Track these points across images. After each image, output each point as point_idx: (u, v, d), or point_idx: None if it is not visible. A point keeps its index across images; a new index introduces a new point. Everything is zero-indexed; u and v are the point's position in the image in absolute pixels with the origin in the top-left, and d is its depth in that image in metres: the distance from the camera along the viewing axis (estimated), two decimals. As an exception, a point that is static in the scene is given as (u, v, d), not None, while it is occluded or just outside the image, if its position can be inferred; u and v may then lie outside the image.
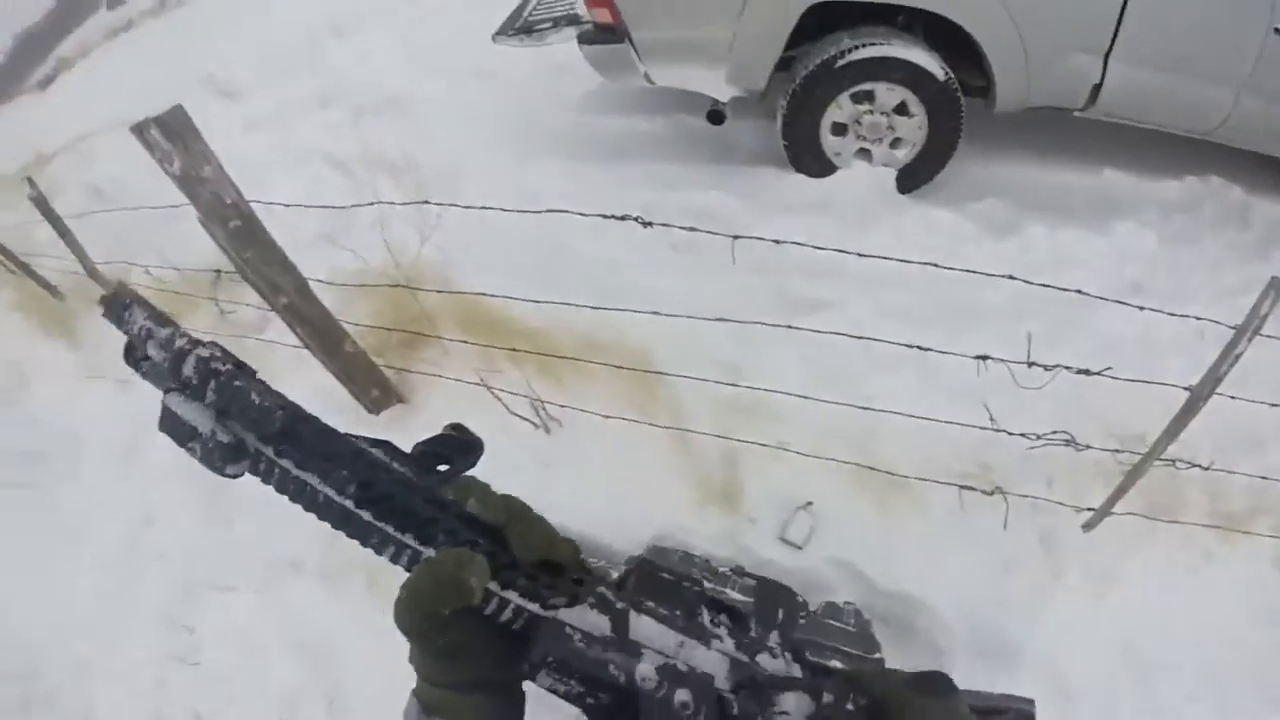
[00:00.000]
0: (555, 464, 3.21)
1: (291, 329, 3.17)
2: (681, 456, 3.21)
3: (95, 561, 4.06)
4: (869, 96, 4.31)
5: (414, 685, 0.75)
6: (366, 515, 0.68)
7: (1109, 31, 3.91)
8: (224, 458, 0.63)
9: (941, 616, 2.81)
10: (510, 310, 3.49)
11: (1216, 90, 3.99)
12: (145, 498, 4.17)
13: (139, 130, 2.48)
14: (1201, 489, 2.89)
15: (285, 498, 0.68)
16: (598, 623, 0.75)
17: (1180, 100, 4.10)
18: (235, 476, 0.65)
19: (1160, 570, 2.84)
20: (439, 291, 3.44)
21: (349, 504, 0.67)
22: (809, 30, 4.22)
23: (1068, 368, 2.31)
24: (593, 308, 2.95)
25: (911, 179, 4.52)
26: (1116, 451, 2.68)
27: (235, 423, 0.63)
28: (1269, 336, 2.18)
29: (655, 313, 2.81)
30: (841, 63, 4.16)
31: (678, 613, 0.81)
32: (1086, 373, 2.31)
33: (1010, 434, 2.56)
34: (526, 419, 3.31)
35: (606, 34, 4.49)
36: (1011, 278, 2.34)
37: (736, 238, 2.43)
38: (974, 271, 2.38)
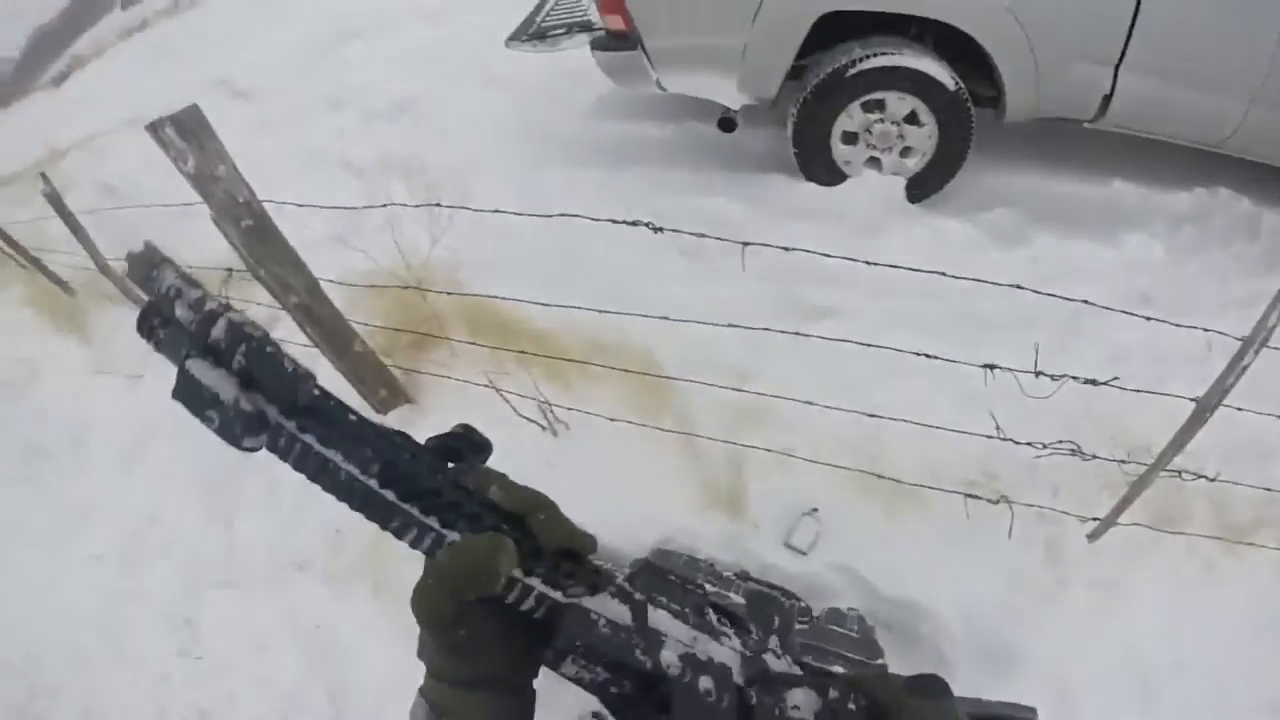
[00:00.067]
0: (561, 466, 3.22)
1: (301, 328, 3.18)
2: (687, 461, 3.21)
3: (99, 556, 4.07)
4: (879, 105, 4.33)
5: (421, 684, 0.74)
6: (390, 496, 0.65)
7: (1119, 42, 3.92)
8: (245, 429, 0.59)
9: (945, 624, 2.81)
10: (519, 313, 3.50)
11: (1226, 102, 3.99)
12: (150, 494, 4.18)
13: (154, 129, 2.50)
14: (1207, 500, 2.88)
15: (303, 475, 0.64)
16: (619, 611, 0.75)
17: (1190, 111, 4.10)
18: (253, 450, 0.61)
19: (1165, 581, 2.83)
20: (448, 293, 3.45)
21: (372, 484, 0.64)
22: (820, 39, 4.24)
23: (1075, 377, 2.30)
24: (601, 311, 2.96)
25: (921, 188, 4.53)
26: (1123, 462, 2.68)
27: (258, 393, 0.59)
28: (1276, 349, 2.18)
29: (664, 317, 2.81)
30: (853, 71, 4.18)
31: (687, 610, 0.81)
32: (1093, 383, 2.31)
33: (1016, 443, 2.56)
34: (534, 421, 3.31)
35: (619, 41, 4.51)
36: (1020, 287, 2.35)
37: (746, 244, 2.44)
38: (982, 281, 2.38)
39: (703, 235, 2.58)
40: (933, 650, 2.81)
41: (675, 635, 0.77)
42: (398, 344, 3.72)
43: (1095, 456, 2.57)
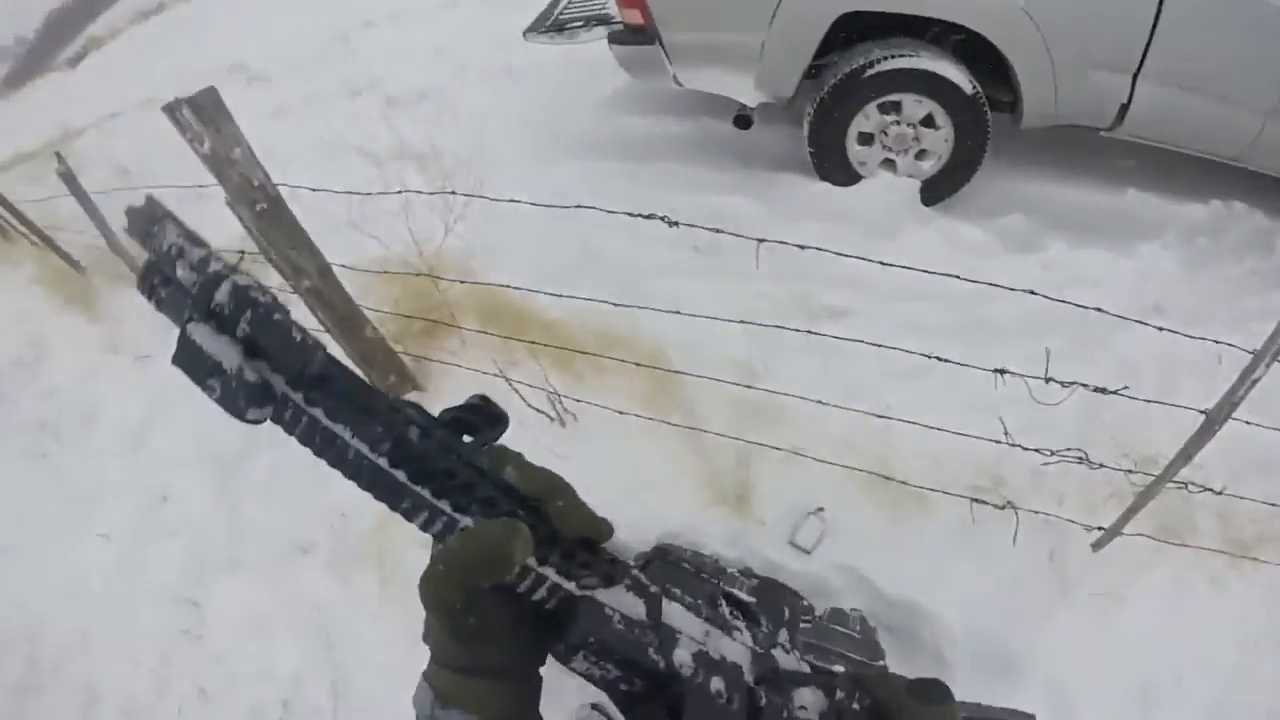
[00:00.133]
0: (569, 457, 3.21)
1: (313, 312, 3.18)
2: (695, 456, 3.21)
3: (106, 535, 4.08)
4: (896, 107, 4.33)
5: (425, 669, 0.72)
6: (401, 476, 0.62)
7: (1138, 52, 3.91)
8: (248, 399, 0.54)
9: (947, 628, 2.81)
10: (530, 303, 3.51)
11: (1244, 114, 3.98)
12: (157, 474, 4.19)
13: (171, 110, 2.50)
14: (1213, 513, 2.87)
15: (309, 450, 0.60)
16: (634, 605, 0.73)
17: (1207, 123, 4.09)
18: (256, 422, 0.56)
19: (1168, 594, 2.82)
20: (461, 281, 3.45)
21: (382, 462, 0.61)
22: (839, 39, 4.25)
23: (1085, 385, 2.30)
24: (614, 304, 2.95)
25: (936, 191, 4.53)
26: (1129, 472, 2.67)
27: (264, 362, 0.55)
28: (1288, 363, 2.18)
29: (677, 312, 2.81)
30: (870, 73, 4.18)
31: (700, 602, 0.80)
32: (1103, 391, 2.30)
33: (1025, 449, 2.55)
34: (542, 412, 3.32)
35: (637, 35, 4.52)
36: (1032, 293, 2.34)
37: (762, 241, 2.44)
38: (995, 285, 2.38)
39: (718, 231, 2.57)
40: (933, 653, 2.81)
41: (688, 631, 0.75)
42: (408, 331, 3.72)
43: (1102, 465, 2.57)
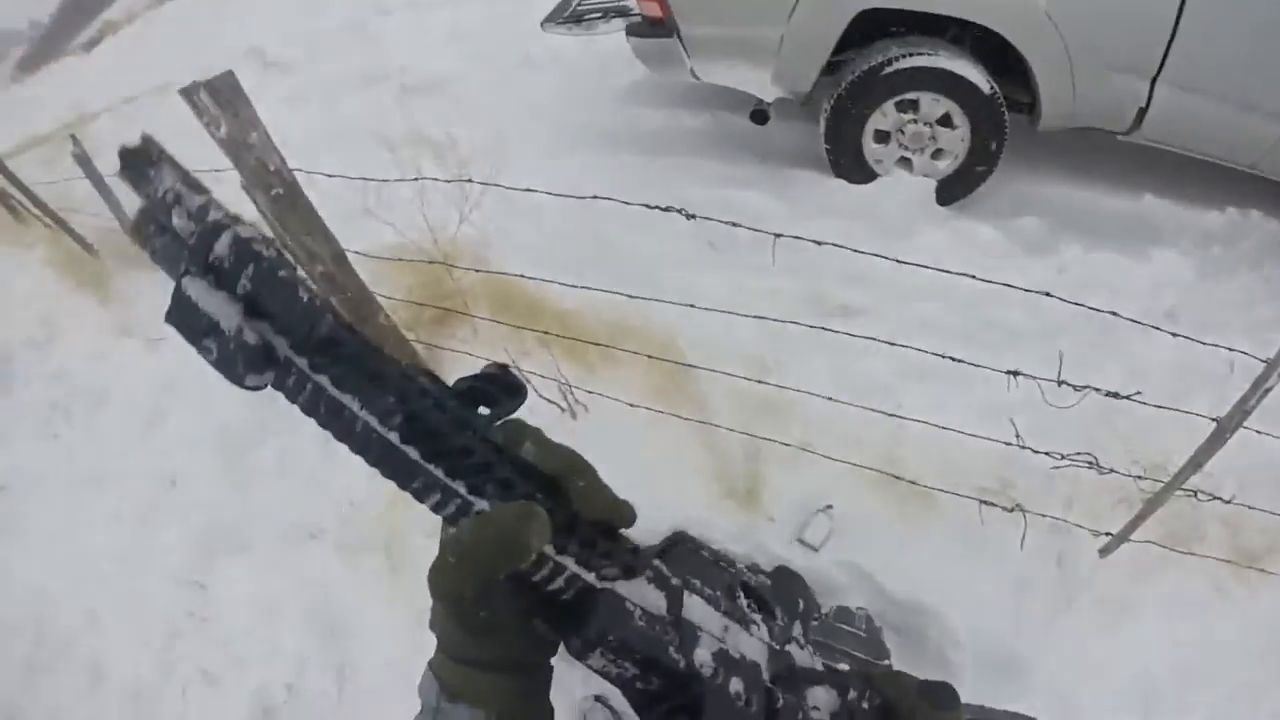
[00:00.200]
0: (579, 449, 3.21)
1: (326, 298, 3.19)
2: (705, 450, 3.21)
3: (113, 515, 4.09)
4: (913, 106, 4.32)
5: (431, 658, 0.70)
6: (413, 453, 0.57)
7: (1158, 55, 3.89)
8: (247, 363, 0.49)
9: (952, 629, 2.80)
10: (543, 293, 3.51)
11: (1262, 122, 3.94)
12: (167, 457, 4.21)
13: (188, 93, 2.50)
14: (1221, 522, 2.86)
15: (314, 421, 0.56)
16: (655, 599, 0.70)
17: (1225, 130, 4.06)
18: (256, 388, 0.52)
19: (1174, 601, 2.81)
20: (476, 270, 3.46)
21: (393, 437, 0.57)
22: (857, 36, 4.23)
23: (1097, 389, 2.29)
24: (629, 296, 2.95)
25: (951, 191, 4.52)
26: (1139, 478, 2.66)
27: (266, 323, 0.50)
28: (1301, 372, 2.17)
29: (692, 305, 2.81)
30: (888, 70, 4.17)
31: (719, 594, 0.78)
32: (1115, 396, 2.30)
33: (1035, 452, 2.55)
34: (553, 402, 3.32)
35: (655, 28, 4.52)
36: (1048, 295, 2.33)
37: (778, 236, 2.43)
38: (1011, 286, 2.37)
39: (735, 225, 2.57)
40: (938, 654, 2.80)
41: (708, 627, 0.72)
42: (421, 319, 3.73)
43: (1112, 470, 2.56)
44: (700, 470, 3.18)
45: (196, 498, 3.93)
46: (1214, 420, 2.33)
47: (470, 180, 3.06)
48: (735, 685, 0.70)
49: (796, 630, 0.87)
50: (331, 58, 7.89)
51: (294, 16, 9.13)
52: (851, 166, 4.59)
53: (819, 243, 2.46)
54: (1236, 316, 3.67)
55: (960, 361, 2.47)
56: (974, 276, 2.36)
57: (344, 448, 0.58)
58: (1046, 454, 2.54)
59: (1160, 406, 2.35)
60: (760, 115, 4.68)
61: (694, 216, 2.46)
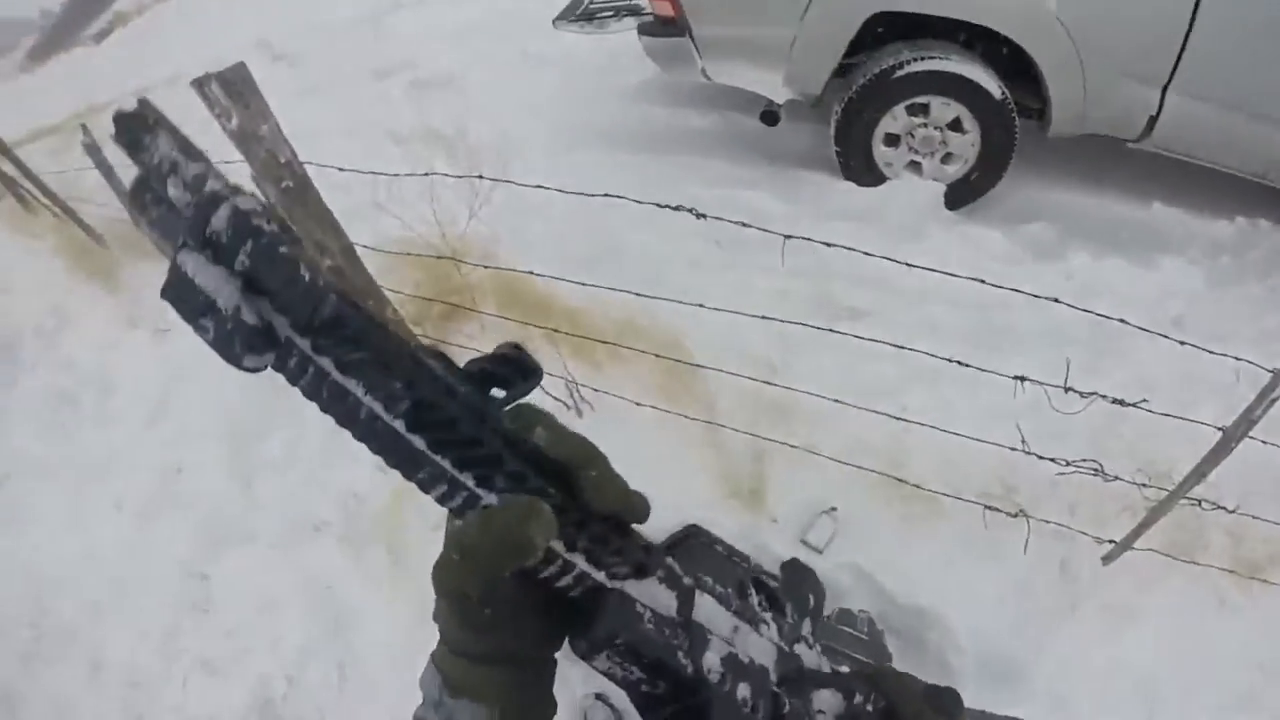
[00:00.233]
0: (584, 446, 3.22)
1: (334, 291, 3.19)
2: (710, 450, 3.22)
3: (117, 505, 4.11)
4: (924, 109, 4.32)
5: (434, 650, 0.68)
6: (419, 442, 0.55)
7: (1169, 64, 3.88)
8: (246, 344, 0.46)
9: (954, 634, 2.80)
10: (551, 290, 3.51)
11: (1272, 132, 3.94)
12: (173, 448, 4.22)
13: (200, 84, 2.50)
14: (1224, 532, 2.85)
15: (316, 405, 0.52)
16: (666, 600, 0.68)
17: (1235, 139, 4.06)
18: (254, 370, 0.48)
19: (1176, 610, 2.81)
20: (484, 266, 3.46)
21: (398, 425, 0.54)
22: (869, 39, 4.24)
23: (1103, 396, 2.29)
24: (637, 294, 2.95)
25: (960, 195, 4.52)
26: (1143, 485, 2.66)
27: (266, 301, 0.47)
28: (1308, 385, 2.17)
29: (700, 305, 2.81)
30: (899, 74, 4.17)
31: (730, 591, 0.76)
32: (1121, 403, 2.29)
33: (1040, 457, 2.55)
34: (560, 400, 3.32)
35: (667, 27, 4.53)
36: (1058, 301, 2.33)
37: (788, 237, 2.43)
38: (1019, 291, 2.37)
39: (746, 225, 2.57)
40: (939, 658, 2.80)
41: (718, 628, 0.71)
42: (428, 314, 3.74)
43: (1116, 478, 2.56)
44: (705, 470, 3.18)
45: (201, 489, 3.94)
46: (1219, 429, 2.33)
47: (481, 176, 3.06)
48: (743, 691, 0.69)
49: (806, 628, 0.86)
50: (341, 51, 7.90)
51: (304, 10, 9.15)
52: (861, 169, 4.59)
53: (828, 244, 2.46)
54: (1244, 326, 3.66)
55: (967, 366, 2.47)
56: (984, 281, 2.36)
57: (349, 439, 0.55)
58: (1052, 460, 2.54)
59: (1166, 415, 2.34)
60: (770, 116, 4.68)
61: (705, 216, 2.46)
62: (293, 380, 0.51)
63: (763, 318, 2.76)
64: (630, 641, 0.64)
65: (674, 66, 4.80)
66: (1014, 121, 4.27)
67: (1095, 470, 2.52)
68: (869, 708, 0.73)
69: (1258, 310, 3.82)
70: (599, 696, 2.77)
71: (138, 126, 0.48)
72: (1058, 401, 2.32)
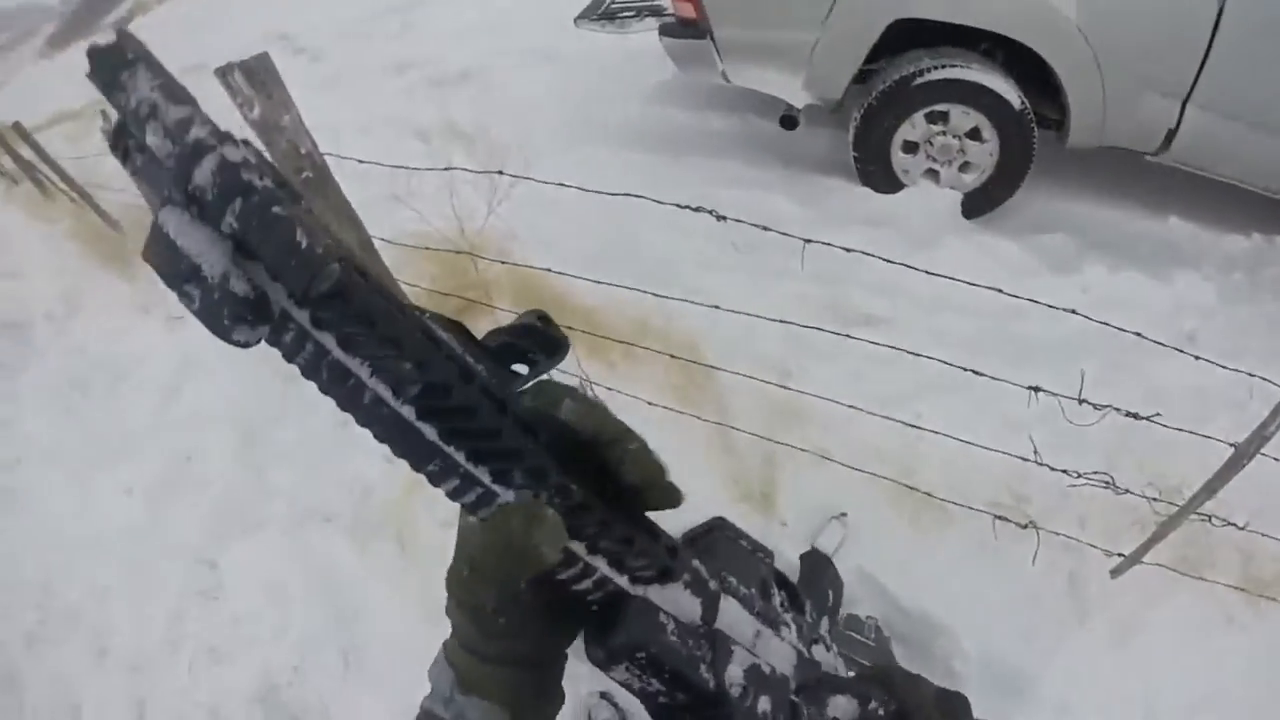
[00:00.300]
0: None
1: (350, 284, 3.19)
2: (722, 452, 3.22)
3: (126, 490, 4.12)
4: (943, 117, 4.31)
5: (446, 642, 0.67)
6: (430, 432, 0.50)
7: (1189, 77, 3.87)
8: (235, 315, 0.40)
9: (960, 643, 2.80)
10: (567, 288, 3.51)
11: (1291, 148, 3.94)
12: (183, 434, 4.23)
13: (223, 73, 2.50)
14: (1234, 549, 2.84)
15: (314, 385, 0.47)
16: (690, 607, 0.66)
17: (1253, 155, 4.04)
18: (245, 345, 0.42)
19: (1183, 626, 2.80)
20: (501, 262, 3.46)
21: (407, 412, 0.49)
22: (890, 45, 4.23)
23: (1117, 409, 2.29)
24: (653, 294, 2.95)
25: (977, 205, 4.52)
26: (1154, 500, 2.65)
27: (260, 267, 0.41)
28: (1321, 403, 2.16)
29: (716, 307, 2.81)
30: (919, 81, 4.17)
31: (754, 591, 0.75)
32: (1135, 416, 2.29)
33: (1052, 469, 2.55)
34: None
35: (688, 29, 4.54)
36: (1074, 312, 2.33)
37: (808, 242, 2.43)
38: (1037, 302, 2.37)
39: (766, 229, 2.57)
40: (944, 667, 2.80)
41: (741, 635, 0.69)
42: (443, 309, 3.70)
43: (1127, 491, 2.55)
44: (716, 471, 3.19)
45: (211, 476, 3.95)
46: (1231, 445, 2.32)
47: (501, 172, 3.06)
48: (764, 704, 0.67)
49: (824, 627, 0.85)
50: (362, 45, 7.93)
51: (326, 3, 9.17)
52: (879, 176, 4.59)
53: (848, 250, 2.46)
54: (1257, 342, 3.65)
55: (982, 375, 2.47)
56: (1002, 291, 2.36)
57: (356, 425, 0.50)
58: (1064, 471, 2.53)
59: (1179, 429, 2.34)
60: (789, 121, 4.68)
61: (725, 218, 2.45)
62: (289, 357, 0.45)
63: (778, 321, 2.76)
64: (652, 654, 0.61)
65: (694, 68, 4.81)
66: (1033, 132, 4.27)
67: (1106, 483, 2.51)
68: (881, 712, 0.73)
69: (1271, 327, 3.80)
70: (604, 695, 2.77)
71: (115, 62, 0.41)
72: (1071, 413, 2.31)
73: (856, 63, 4.34)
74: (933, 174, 4.55)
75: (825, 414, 3.04)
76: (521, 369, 0.57)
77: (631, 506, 0.62)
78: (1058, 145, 4.46)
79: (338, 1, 9.23)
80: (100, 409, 4.81)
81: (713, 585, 0.69)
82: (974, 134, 4.33)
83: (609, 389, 3.30)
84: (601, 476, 0.60)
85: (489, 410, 0.52)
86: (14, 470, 4.68)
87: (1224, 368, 2.32)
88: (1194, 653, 2.75)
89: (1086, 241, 4.33)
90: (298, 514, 3.59)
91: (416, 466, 0.51)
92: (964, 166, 4.47)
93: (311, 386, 0.47)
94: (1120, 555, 2.78)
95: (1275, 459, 2.32)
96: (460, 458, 0.51)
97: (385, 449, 0.50)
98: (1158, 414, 2.26)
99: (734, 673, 0.66)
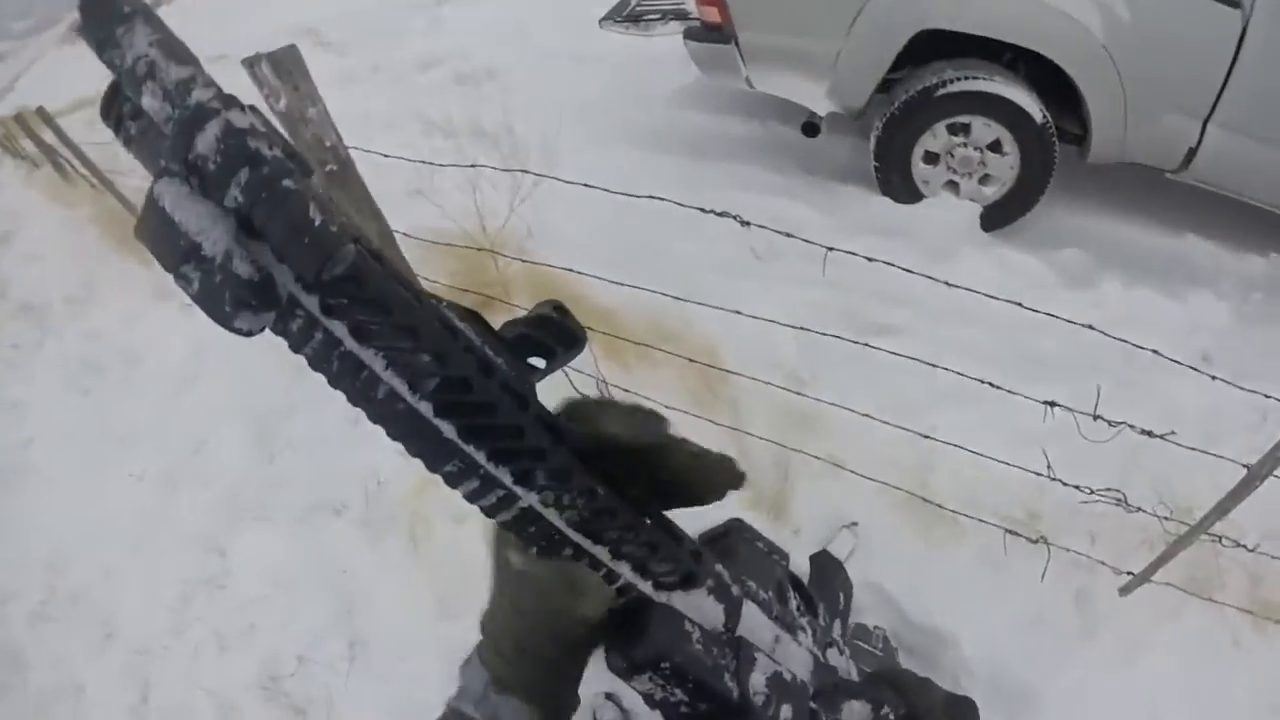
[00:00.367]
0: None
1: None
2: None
3: (137, 475, 4.14)
4: (965, 129, 4.31)
5: (480, 642, 0.64)
6: (448, 430, 0.47)
7: (1211, 97, 3.87)
8: (238, 300, 0.36)
9: (966, 656, 2.80)
10: (586, 288, 3.51)
11: (1312, 170, 3.93)
12: (195, 422, 4.25)
13: (250, 64, 2.52)
14: (1243, 571, 2.83)
15: (324, 378, 0.44)
16: (714, 613, 0.64)
17: (1274, 176, 4.04)
18: (248, 333, 0.38)
19: (1190, 647, 2.78)
20: (522, 260, 3.47)
21: (424, 408, 0.45)
22: (914, 55, 4.24)
23: (1132, 426, 2.28)
24: (673, 298, 2.95)
25: (996, 217, 4.51)
26: (1165, 519, 2.64)
27: (265, 247, 0.37)
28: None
29: (738, 312, 2.81)
30: (942, 92, 4.17)
31: (771, 595, 0.74)
32: (1150, 434, 2.28)
33: (1065, 484, 2.54)
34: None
35: (713, 33, 4.54)
36: (1092, 328, 2.33)
37: (830, 249, 2.43)
38: (1055, 316, 2.36)
39: (789, 235, 2.57)
40: (950, 680, 2.79)
41: (761, 641, 0.68)
42: (462, 303, 3.73)
43: (1139, 509, 2.54)
44: (730, 477, 3.18)
45: (222, 464, 3.97)
46: (1244, 466, 2.32)
47: (526, 171, 3.06)
48: (785, 712, 0.66)
49: (836, 630, 0.86)
50: (386, 42, 7.95)
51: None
52: (899, 186, 4.59)
53: (869, 259, 2.46)
54: (1272, 364, 3.62)
55: (998, 388, 2.47)
56: (1021, 304, 2.36)
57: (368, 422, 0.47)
58: (1076, 487, 2.53)
59: (1192, 449, 2.33)
60: (811, 128, 4.69)
61: (749, 224, 2.45)
62: (297, 347, 0.42)
63: (796, 328, 2.76)
64: (679, 665, 0.60)
65: (718, 73, 4.82)
66: (1054, 146, 4.26)
67: (1118, 500, 2.51)
68: (892, 717, 0.74)
69: (1288, 350, 3.80)
70: (609, 696, 2.77)
71: (110, 15, 0.37)
72: (1086, 429, 2.31)
73: (880, 72, 4.35)
74: (953, 185, 4.55)
75: (840, 422, 3.04)
76: (539, 362, 0.54)
77: (668, 503, 0.61)
78: (1078, 160, 4.46)
79: (365, -4, 9.26)
80: (114, 393, 4.84)
81: (735, 591, 0.68)
82: (995, 146, 4.32)
83: (624, 390, 3.30)
84: (631, 475, 0.57)
85: (510, 407, 0.49)
86: (26, 450, 4.72)
87: (1239, 388, 2.31)
88: (1200, 674, 2.74)
89: (1103, 257, 4.32)
90: (308, 505, 3.60)
91: (433, 467, 0.48)
92: (984, 179, 4.46)
93: (322, 378, 0.44)
94: (1130, 573, 2.78)
95: (1288, 482, 2.32)
96: (480, 457, 0.48)
97: (398, 444, 0.47)
98: (1172, 432, 2.26)
99: (757, 681, 0.64)
